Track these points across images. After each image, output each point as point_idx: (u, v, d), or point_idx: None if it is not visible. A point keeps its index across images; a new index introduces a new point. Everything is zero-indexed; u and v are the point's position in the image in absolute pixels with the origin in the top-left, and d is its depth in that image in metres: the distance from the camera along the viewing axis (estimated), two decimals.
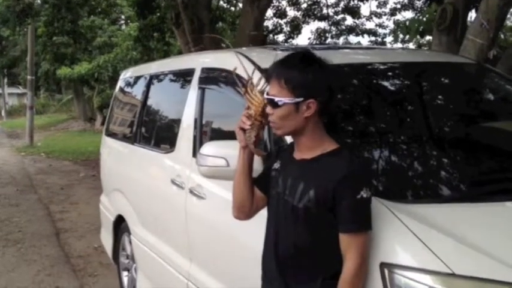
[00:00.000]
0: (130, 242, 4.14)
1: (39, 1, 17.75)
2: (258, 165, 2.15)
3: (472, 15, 7.03)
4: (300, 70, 1.85)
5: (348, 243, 1.81)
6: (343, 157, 1.87)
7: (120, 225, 4.41)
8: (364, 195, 1.79)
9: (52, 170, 11.72)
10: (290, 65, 1.88)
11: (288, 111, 1.85)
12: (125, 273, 4.38)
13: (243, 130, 1.99)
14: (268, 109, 1.91)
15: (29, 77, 17.39)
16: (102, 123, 20.18)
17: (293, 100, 1.84)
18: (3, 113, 37.48)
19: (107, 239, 4.83)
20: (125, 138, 4.61)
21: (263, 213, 2.12)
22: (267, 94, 1.91)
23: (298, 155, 1.96)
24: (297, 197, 1.88)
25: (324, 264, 1.89)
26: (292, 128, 1.90)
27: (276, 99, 1.85)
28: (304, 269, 1.90)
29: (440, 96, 3.09)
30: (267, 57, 2.69)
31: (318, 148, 1.91)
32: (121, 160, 4.64)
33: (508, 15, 6.98)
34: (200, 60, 3.58)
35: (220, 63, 3.14)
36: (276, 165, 2.05)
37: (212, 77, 3.23)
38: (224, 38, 9.57)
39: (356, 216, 1.80)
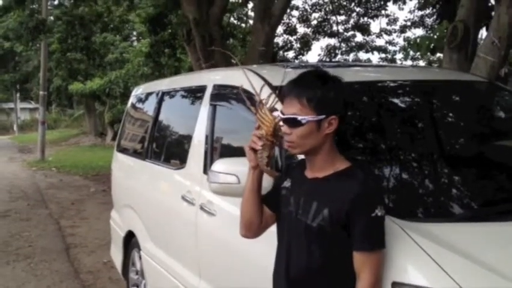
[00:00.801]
0: (140, 258, 4.14)
1: (52, 18, 18.00)
2: (267, 182, 2.15)
3: (483, 33, 7.04)
4: (321, 88, 1.86)
5: (362, 262, 1.80)
6: (356, 176, 1.87)
7: (130, 240, 4.41)
8: (379, 214, 1.79)
9: (63, 185, 11.78)
10: (309, 83, 1.89)
11: (310, 129, 1.85)
12: None
13: (253, 150, 1.98)
14: (285, 128, 1.89)
15: (41, 92, 17.58)
16: (113, 138, 20.34)
17: (316, 118, 1.85)
18: (15, 128, 37.87)
19: (116, 255, 4.84)
20: (136, 154, 4.64)
21: (273, 230, 2.12)
22: (282, 113, 1.90)
23: (310, 174, 1.96)
24: (311, 216, 1.87)
25: (336, 283, 1.87)
26: (311, 147, 1.89)
27: (299, 117, 1.85)
28: None
29: (451, 114, 3.08)
30: (277, 74, 2.70)
31: (331, 167, 1.91)
32: (132, 176, 4.66)
33: None
34: (212, 77, 3.60)
35: (232, 80, 3.16)
36: (287, 184, 2.04)
37: (224, 94, 3.25)
38: (233, 55, 9.60)
39: (371, 235, 1.80)
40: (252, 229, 2.12)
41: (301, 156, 2.07)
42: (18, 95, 39.51)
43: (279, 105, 2.06)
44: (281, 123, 1.93)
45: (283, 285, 1.97)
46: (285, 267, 1.96)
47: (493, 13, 5.14)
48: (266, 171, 2.01)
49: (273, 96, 2.04)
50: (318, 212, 1.86)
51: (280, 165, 2.40)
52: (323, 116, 1.85)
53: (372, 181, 1.95)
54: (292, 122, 1.86)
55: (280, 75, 2.29)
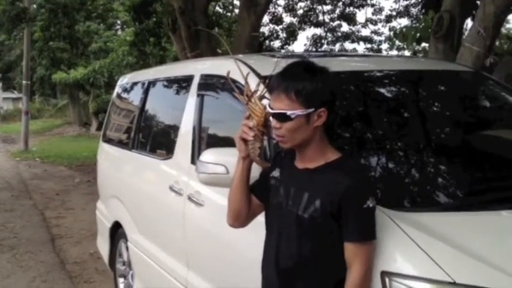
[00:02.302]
0: (127, 249, 4.12)
1: (35, 6, 17.74)
2: (255, 172, 2.14)
3: (469, 23, 7.07)
4: (309, 80, 1.83)
5: (353, 253, 1.81)
6: (348, 167, 1.87)
7: (116, 231, 4.39)
8: (370, 205, 1.80)
9: (47, 176, 11.67)
10: (296, 76, 1.86)
11: (299, 123, 1.84)
12: (121, 280, 4.36)
13: (244, 140, 1.97)
14: (275, 123, 1.87)
15: (24, 82, 17.34)
16: (98, 129, 20.19)
17: (305, 111, 1.82)
18: None
19: (103, 246, 4.81)
20: (122, 144, 4.60)
21: (261, 221, 2.12)
22: (271, 107, 1.88)
23: (300, 165, 1.95)
24: (302, 207, 1.87)
25: (326, 274, 1.88)
26: (301, 140, 1.88)
27: (288, 112, 1.82)
28: (306, 279, 1.89)
29: (437, 104, 3.09)
30: (264, 64, 2.70)
31: (322, 158, 1.90)
32: (118, 166, 4.63)
33: (504, 23, 7.02)
34: (199, 67, 3.58)
35: (219, 70, 3.14)
36: (275, 174, 2.03)
37: (211, 84, 3.23)
38: (219, 44, 9.54)
39: (362, 226, 1.81)
40: (240, 219, 2.12)
41: None
42: (0, 84, 38.95)
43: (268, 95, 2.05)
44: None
45: (273, 275, 1.97)
46: (274, 257, 1.96)
47: (478, 3, 5.16)
48: (258, 162, 2.00)
49: (262, 85, 2.03)
50: (309, 203, 1.85)
51: (269, 155, 2.39)
52: (312, 109, 1.84)
53: (363, 172, 1.95)
54: (281, 117, 1.84)
55: (268, 65, 2.28)
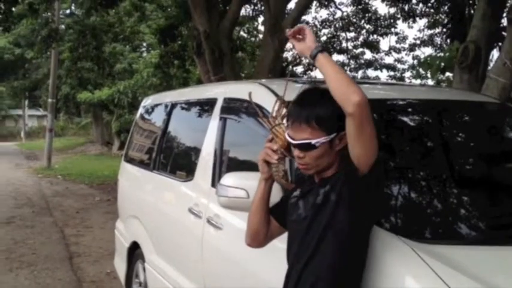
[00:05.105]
0: (144, 270, 4.11)
1: (63, 26, 18.14)
2: (275, 197, 2.14)
3: (495, 54, 7.03)
4: (327, 106, 1.84)
5: None
6: None
7: (134, 251, 4.39)
8: None
9: (68, 193, 11.78)
10: (315, 104, 1.87)
11: (323, 150, 1.85)
12: None
13: (267, 162, 1.97)
14: (298, 153, 1.88)
15: (50, 100, 17.68)
16: (120, 148, 20.39)
17: (329, 138, 1.84)
18: (22, 134, 38.03)
19: (120, 265, 4.81)
20: (143, 164, 4.63)
21: (281, 247, 2.10)
22: (291, 138, 1.88)
23: (317, 178, 1.96)
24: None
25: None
26: (325, 165, 1.89)
27: (313, 141, 1.83)
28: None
29: (462, 135, 3.05)
30: (287, 89, 2.69)
31: None
32: (139, 186, 4.65)
33: None
34: (222, 90, 3.60)
35: (243, 94, 3.15)
36: (296, 193, 2.04)
37: (234, 107, 3.24)
38: (242, 68, 9.63)
39: None
40: (258, 239, 2.14)
41: None
42: (26, 102, 39.74)
43: None
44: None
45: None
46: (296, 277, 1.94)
47: (504, 33, 5.13)
48: (283, 184, 2.01)
49: (285, 110, 2.04)
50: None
51: (290, 179, 2.38)
52: (334, 134, 1.85)
53: None
54: (305, 147, 1.85)
55: (291, 90, 2.28)
